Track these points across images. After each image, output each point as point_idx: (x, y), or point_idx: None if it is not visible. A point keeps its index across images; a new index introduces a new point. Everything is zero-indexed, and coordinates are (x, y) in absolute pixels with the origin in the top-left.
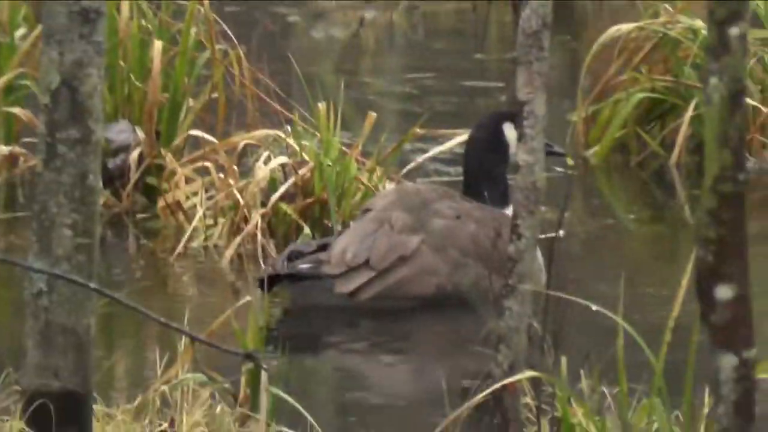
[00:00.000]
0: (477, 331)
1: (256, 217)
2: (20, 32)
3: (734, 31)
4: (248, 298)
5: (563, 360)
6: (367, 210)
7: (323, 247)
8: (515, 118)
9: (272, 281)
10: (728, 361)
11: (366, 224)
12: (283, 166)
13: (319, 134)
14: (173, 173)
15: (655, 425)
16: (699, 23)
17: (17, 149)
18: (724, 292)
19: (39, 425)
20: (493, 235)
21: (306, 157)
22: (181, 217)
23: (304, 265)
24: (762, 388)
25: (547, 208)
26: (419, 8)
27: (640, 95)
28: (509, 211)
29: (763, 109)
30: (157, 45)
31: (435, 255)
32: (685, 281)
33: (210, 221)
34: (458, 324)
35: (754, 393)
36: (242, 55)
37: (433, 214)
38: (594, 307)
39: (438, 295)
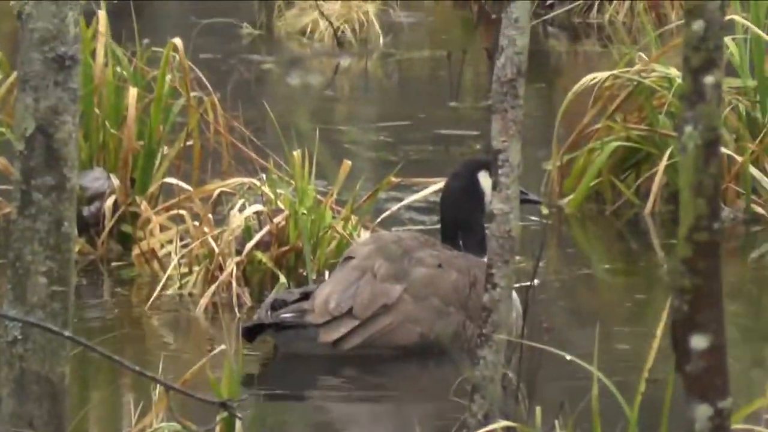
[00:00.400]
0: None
1: (231, 266)
2: None
3: (709, 79)
4: (223, 346)
5: (537, 410)
6: (349, 258)
7: (306, 296)
8: (490, 166)
9: (256, 331)
10: (703, 411)
11: (348, 273)
12: (258, 214)
13: (294, 182)
14: (148, 221)
15: None
16: (674, 72)
17: None
18: (699, 341)
19: None
20: (471, 283)
21: (281, 206)
22: (155, 265)
23: (287, 314)
24: None
25: (522, 258)
26: (394, 56)
27: (615, 144)
28: (484, 260)
29: (738, 158)
30: (132, 92)
31: (417, 304)
32: (659, 331)
33: (185, 269)
34: (440, 373)
35: None
36: (217, 102)
37: (416, 262)
38: (569, 357)
39: (421, 344)
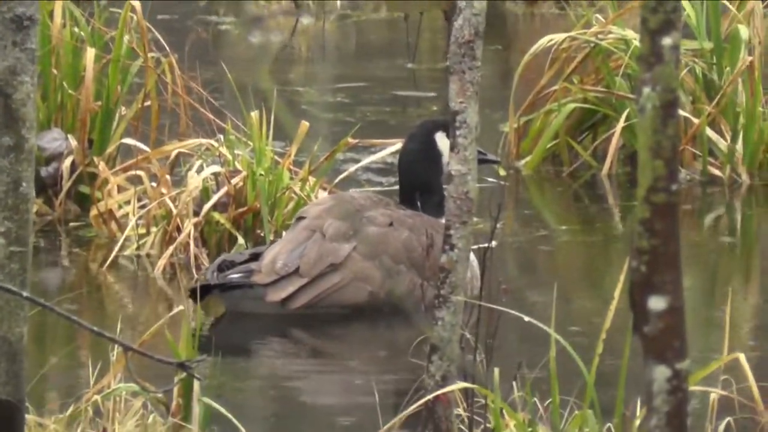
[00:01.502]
0: (409, 340)
1: (188, 227)
2: None
3: (667, 41)
4: (181, 307)
5: (495, 371)
6: (301, 218)
7: (255, 257)
8: (447, 127)
9: (203, 291)
10: (661, 373)
11: (298, 233)
12: (215, 175)
13: (251, 143)
14: (106, 182)
15: None
16: (631, 33)
17: None
18: (657, 302)
19: None
20: (427, 243)
21: (239, 167)
22: (113, 226)
23: (235, 275)
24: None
25: (480, 219)
26: (351, 17)
27: (572, 106)
28: (443, 222)
29: (695, 120)
30: (90, 53)
31: (367, 262)
32: (617, 292)
33: (142, 230)
34: (391, 332)
35: (687, 404)
36: (175, 63)
37: (367, 221)
38: (527, 318)
39: (371, 303)
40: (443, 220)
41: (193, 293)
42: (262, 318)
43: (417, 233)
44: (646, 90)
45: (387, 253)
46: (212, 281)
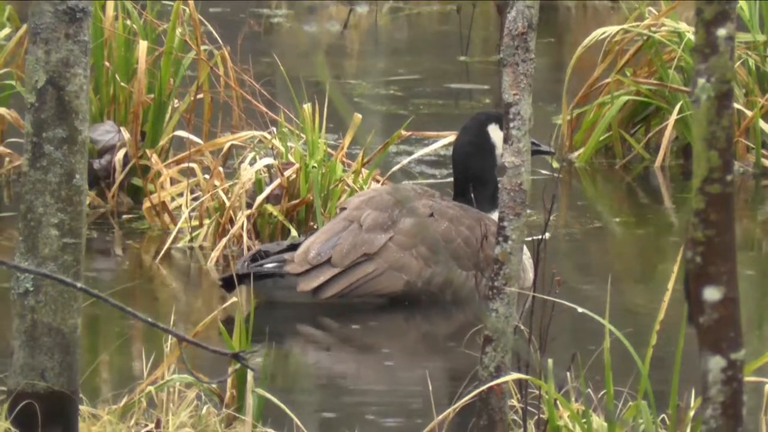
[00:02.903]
0: (454, 329)
1: (241, 219)
2: (5, 32)
3: (722, 32)
4: (234, 299)
5: (549, 362)
6: (343, 209)
7: (293, 247)
8: (500, 119)
9: (234, 281)
10: (716, 363)
11: (335, 223)
12: (268, 167)
13: (304, 136)
14: (158, 174)
15: (642, 427)
16: (684, 26)
17: (2, 149)
18: (712, 293)
19: (25, 426)
20: (467, 234)
21: (291, 159)
22: (166, 218)
23: (269, 264)
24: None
25: (533, 211)
26: (403, 10)
27: (625, 98)
28: (496, 214)
29: (748, 112)
30: (143, 45)
31: (403, 252)
32: (671, 284)
33: (195, 222)
34: (430, 322)
35: (742, 394)
36: (227, 55)
37: (407, 212)
38: (580, 309)
39: (407, 292)
40: (496, 213)
41: (225, 283)
42: (298, 307)
43: (457, 224)
44: (701, 81)
45: (424, 244)
46: (242, 271)
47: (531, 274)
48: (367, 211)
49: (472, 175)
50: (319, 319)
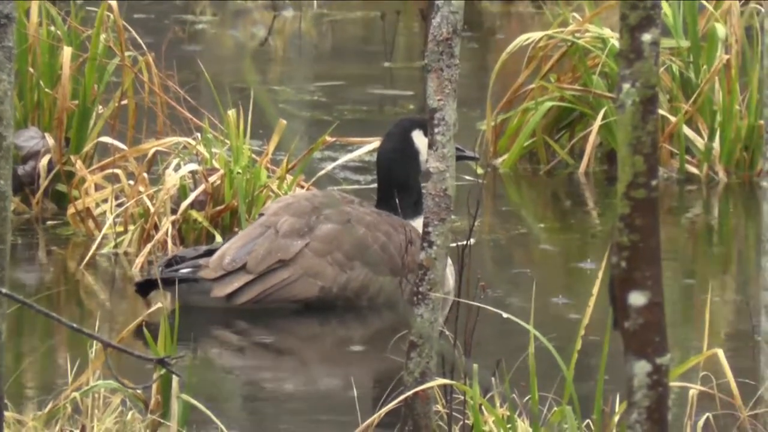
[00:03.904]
0: (368, 334)
1: (166, 225)
2: None
3: (647, 36)
4: (159, 305)
5: (475, 367)
6: (261, 215)
7: (210, 253)
8: (424, 125)
9: (149, 286)
10: (642, 368)
11: (252, 229)
12: (193, 173)
13: (229, 142)
14: (83, 180)
15: None
16: (607, 32)
17: None
18: (637, 298)
19: None
20: (383, 240)
21: (216, 165)
22: (91, 224)
23: (184, 270)
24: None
25: (457, 217)
26: (328, 16)
27: (549, 104)
28: (419, 220)
29: (672, 118)
30: (67, 51)
31: (318, 258)
32: (595, 288)
33: (120, 228)
34: (347, 327)
35: (667, 399)
36: (152, 61)
37: (324, 218)
38: (505, 315)
39: (322, 298)
40: (419, 219)
41: (139, 287)
42: (214, 312)
43: (374, 230)
44: (626, 86)
45: (340, 250)
46: (154, 276)
47: (452, 281)
48: (284, 217)
49: (396, 182)
50: (236, 324)
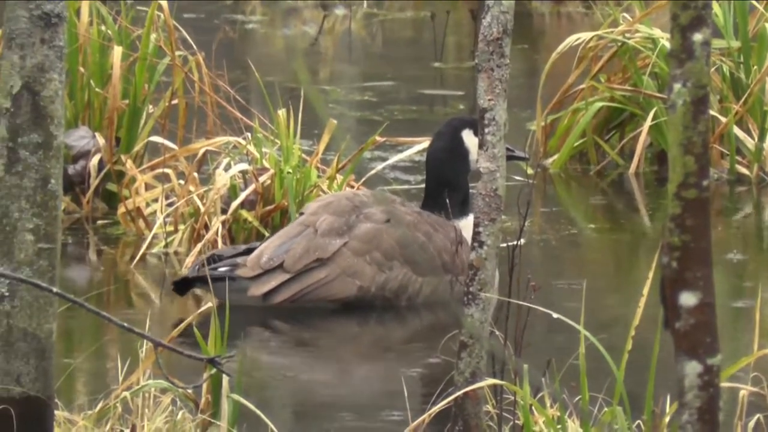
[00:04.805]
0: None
1: (216, 224)
2: None
3: (698, 36)
4: (209, 304)
5: (525, 367)
6: (301, 214)
7: (248, 251)
8: (474, 125)
9: (186, 284)
10: (693, 368)
11: (291, 228)
12: (243, 173)
13: (279, 141)
14: (133, 179)
15: None
16: (658, 32)
17: None
18: (688, 298)
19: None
20: (423, 240)
21: (266, 164)
22: (141, 223)
23: (222, 268)
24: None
25: (507, 217)
26: (377, 16)
27: (599, 104)
28: (466, 220)
29: (722, 119)
30: (117, 51)
31: (357, 258)
32: (646, 289)
33: (170, 228)
34: (385, 326)
35: (718, 400)
36: (202, 61)
37: (363, 217)
38: (555, 315)
39: (360, 298)
40: (464, 219)
41: (177, 286)
42: (254, 311)
43: (413, 230)
44: (677, 86)
45: (378, 249)
46: (191, 274)
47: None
48: (323, 216)
49: (445, 181)
50: (276, 323)
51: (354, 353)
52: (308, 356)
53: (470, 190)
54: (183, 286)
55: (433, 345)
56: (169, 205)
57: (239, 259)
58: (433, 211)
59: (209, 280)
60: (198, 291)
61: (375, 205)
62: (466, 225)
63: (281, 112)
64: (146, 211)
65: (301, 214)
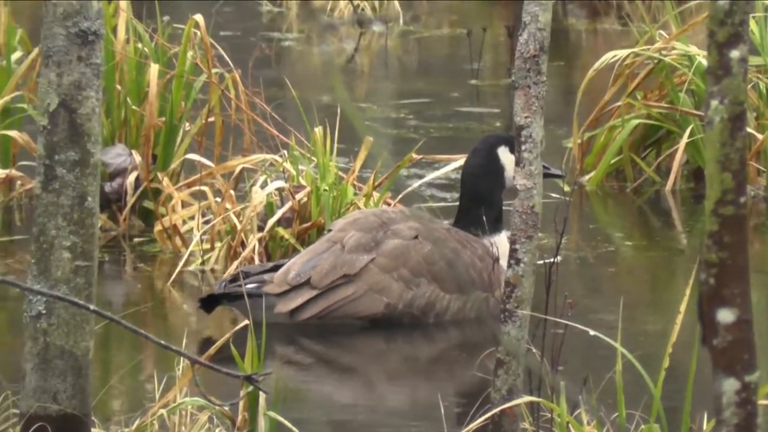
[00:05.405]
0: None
1: (253, 242)
2: (16, 55)
3: (735, 53)
4: (246, 321)
5: (562, 384)
6: (329, 230)
7: (276, 268)
8: (510, 142)
9: (212, 302)
10: (730, 385)
11: (318, 245)
12: (279, 190)
13: (315, 159)
14: (170, 197)
15: None
16: (694, 49)
17: (14, 172)
18: (725, 315)
19: None
20: (451, 257)
21: (303, 182)
22: (177, 241)
23: (249, 285)
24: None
25: (544, 234)
26: (414, 34)
27: (636, 121)
28: (498, 237)
29: (759, 135)
30: (154, 68)
31: (384, 274)
32: (683, 306)
33: (207, 245)
34: (413, 344)
35: (756, 417)
36: (238, 78)
37: (391, 234)
38: (592, 332)
39: (387, 315)
40: (497, 236)
41: (203, 303)
42: (285, 328)
43: (441, 247)
44: (714, 103)
45: (406, 266)
46: (218, 291)
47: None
48: (351, 233)
49: (480, 197)
50: (304, 340)
51: (385, 371)
52: (339, 374)
53: (504, 207)
54: (210, 303)
55: (464, 362)
56: (206, 222)
57: (266, 276)
58: (466, 227)
59: (245, 297)
60: (231, 308)
61: (402, 221)
62: (498, 242)
63: (318, 130)
64: (183, 229)
65: (329, 230)
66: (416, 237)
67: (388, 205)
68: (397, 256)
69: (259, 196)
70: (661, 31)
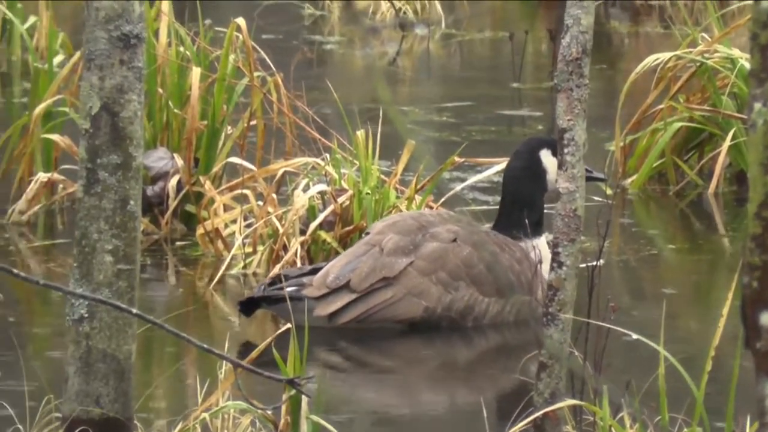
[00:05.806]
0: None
1: (295, 245)
2: (58, 59)
3: None
4: (288, 325)
5: (604, 388)
6: (367, 233)
7: (315, 271)
8: (552, 145)
9: (253, 305)
10: None
11: (357, 248)
12: (322, 194)
13: (357, 162)
14: (212, 201)
15: None
16: (737, 52)
17: (56, 176)
18: None
19: None
20: (489, 260)
21: (345, 185)
22: (219, 244)
23: (288, 288)
24: None
25: (586, 237)
26: (456, 37)
27: (678, 124)
28: (539, 240)
29: None
30: (196, 72)
31: (423, 277)
32: (725, 310)
33: (249, 249)
34: (453, 348)
35: None
36: (280, 82)
37: (430, 237)
38: (635, 336)
39: (426, 318)
40: (538, 239)
41: (242, 307)
42: (324, 332)
43: (480, 250)
44: (758, 105)
45: (444, 269)
46: (257, 294)
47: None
48: (389, 236)
49: (521, 200)
50: (343, 343)
51: (425, 375)
52: (379, 378)
53: (545, 210)
54: (249, 306)
55: (504, 365)
56: (248, 226)
57: (305, 279)
58: (506, 230)
59: (286, 300)
60: (269, 311)
61: (441, 224)
62: (539, 245)
63: (360, 133)
64: (225, 233)
65: (367, 233)
66: (455, 240)
67: (431, 208)
68: (435, 259)
69: (301, 200)
70: (704, 34)
